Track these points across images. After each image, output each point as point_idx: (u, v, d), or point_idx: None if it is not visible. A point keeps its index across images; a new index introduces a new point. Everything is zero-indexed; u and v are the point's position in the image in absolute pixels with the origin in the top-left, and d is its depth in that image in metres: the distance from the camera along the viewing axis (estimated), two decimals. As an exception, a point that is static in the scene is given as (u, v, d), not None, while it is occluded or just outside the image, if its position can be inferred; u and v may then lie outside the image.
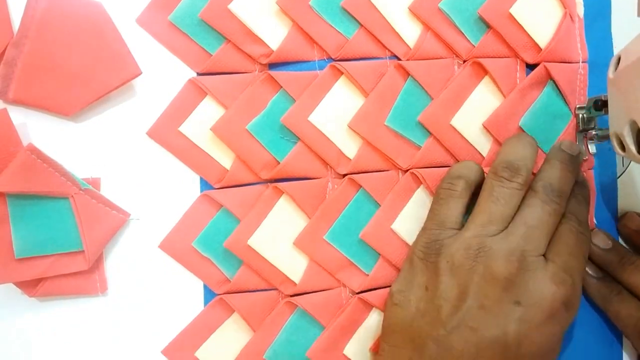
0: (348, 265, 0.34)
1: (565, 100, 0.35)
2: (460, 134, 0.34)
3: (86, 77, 0.31)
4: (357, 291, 0.34)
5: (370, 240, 0.33)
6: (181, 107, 0.32)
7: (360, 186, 0.33)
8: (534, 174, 0.33)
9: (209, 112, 0.33)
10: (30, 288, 0.31)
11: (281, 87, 0.33)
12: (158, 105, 0.32)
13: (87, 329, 0.32)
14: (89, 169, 0.32)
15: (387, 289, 0.33)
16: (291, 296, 0.33)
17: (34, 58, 0.30)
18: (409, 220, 0.33)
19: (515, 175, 0.30)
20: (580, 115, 0.34)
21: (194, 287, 0.33)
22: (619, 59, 0.29)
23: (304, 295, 0.33)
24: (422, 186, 0.34)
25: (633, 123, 0.27)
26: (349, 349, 0.33)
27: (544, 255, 0.30)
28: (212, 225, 0.33)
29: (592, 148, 0.35)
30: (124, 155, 0.32)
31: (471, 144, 0.34)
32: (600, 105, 0.32)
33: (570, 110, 0.35)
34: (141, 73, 0.32)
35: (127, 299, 0.33)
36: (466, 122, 0.34)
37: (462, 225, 0.31)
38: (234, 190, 0.33)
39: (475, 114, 0.34)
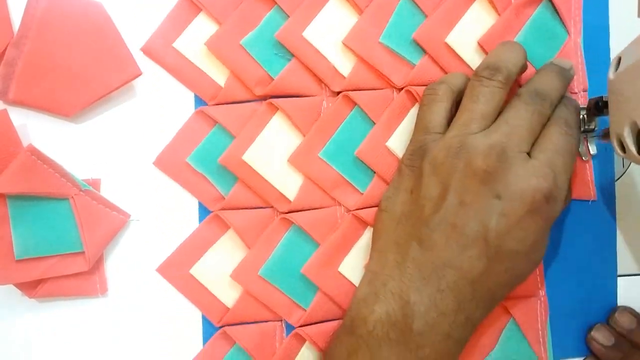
0: (343, 183, 0.34)
1: (560, 19, 0.35)
2: (454, 51, 0.34)
3: (86, 77, 0.31)
4: (352, 209, 0.33)
5: (365, 157, 0.33)
6: (175, 23, 0.32)
7: (355, 104, 0.33)
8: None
9: (203, 28, 0.33)
10: (30, 289, 0.31)
11: (275, 2, 0.32)
12: (158, 105, 0.33)
13: (87, 329, 0.33)
14: (89, 169, 0.32)
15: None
16: (286, 213, 0.33)
17: (34, 58, 0.30)
18: (404, 137, 0.33)
19: (495, 73, 0.30)
20: (581, 116, 0.34)
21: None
22: (619, 60, 0.29)
23: (299, 213, 0.33)
24: (417, 104, 0.34)
25: (633, 124, 0.27)
26: (344, 267, 0.33)
27: (528, 154, 0.29)
28: (207, 142, 0.33)
29: (592, 148, 0.35)
30: (124, 156, 0.32)
31: (465, 62, 0.34)
32: (601, 106, 0.32)
33: (566, 30, 0.35)
34: (141, 73, 0.32)
35: (127, 300, 0.33)
36: (461, 40, 0.34)
37: (447, 129, 0.31)
38: (228, 107, 0.33)
39: (470, 31, 0.34)
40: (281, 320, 0.34)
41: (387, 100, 0.34)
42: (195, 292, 0.33)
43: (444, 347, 0.29)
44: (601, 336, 0.35)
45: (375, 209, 0.33)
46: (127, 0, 0.32)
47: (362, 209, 0.33)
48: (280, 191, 0.33)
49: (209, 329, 0.33)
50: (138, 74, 0.32)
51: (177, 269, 0.33)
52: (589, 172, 0.35)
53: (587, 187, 0.36)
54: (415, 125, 0.33)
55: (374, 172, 0.34)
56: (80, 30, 0.31)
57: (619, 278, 0.36)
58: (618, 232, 0.37)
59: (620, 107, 0.28)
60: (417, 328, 0.28)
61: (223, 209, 0.33)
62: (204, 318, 0.33)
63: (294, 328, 0.33)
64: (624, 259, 0.37)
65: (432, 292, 0.28)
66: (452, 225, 0.29)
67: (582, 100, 0.35)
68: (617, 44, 0.31)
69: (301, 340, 0.33)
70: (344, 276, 0.33)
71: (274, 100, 0.32)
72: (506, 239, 0.28)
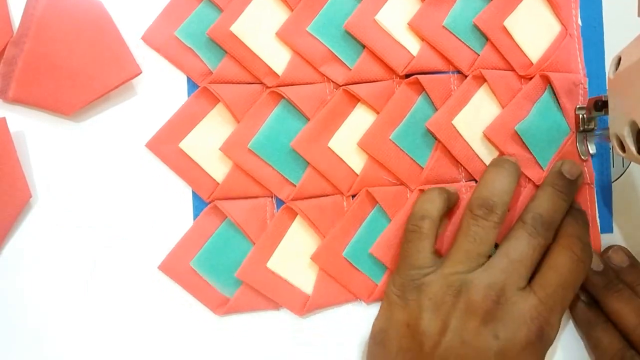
0: (331, 58, 0.33)
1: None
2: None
3: (86, 76, 0.31)
4: (341, 84, 0.33)
5: (354, 30, 0.33)
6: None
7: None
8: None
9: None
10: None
11: None
12: (158, 105, 0.33)
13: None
14: (88, 168, 0.32)
15: (375, 83, 0.33)
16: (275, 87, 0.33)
17: (34, 57, 0.30)
18: (395, 13, 0.33)
19: (491, 213, 0.31)
20: (581, 116, 0.34)
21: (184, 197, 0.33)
22: (619, 60, 0.29)
23: (288, 87, 0.33)
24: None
25: (633, 124, 0.27)
26: (334, 142, 0.33)
27: (530, 285, 0.30)
28: (196, 15, 0.33)
29: (592, 148, 0.35)
30: (124, 155, 0.33)
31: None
32: (601, 105, 0.32)
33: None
34: (141, 72, 0.32)
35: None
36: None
37: (435, 260, 0.31)
38: (216, -19, 0.33)
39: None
40: (272, 197, 0.34)
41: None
42: (185, 167, 0.33)
43: None
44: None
45: (366, 85, 0.33)
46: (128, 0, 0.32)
47: (350, 84, 0.33)
48: (269, 65, 0.33)
49: (200, 205, 0.33)
50: (138, 72, 0.32)
51: (167, 143, 0.33)
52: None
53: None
54: (400, 257, 0.32)
55: (363, 47, 0.33)
56: (79, 29, 0.31)
57: None
58: (617, 231, 0.36)
59: (620, 107, 0.29)
60: None
61: (211, 82, 0.33)
62: (194, 195, 0.33)
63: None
64: None
65: None
66: None
67: (582, 100, 0.35)
68: (616, 45, 0.30)
69: (292, 215, 0.33)
70: (333, 152, 0.33)
71: (261, -26, 0.32)
72: None
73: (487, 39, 0.34)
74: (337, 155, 0.33)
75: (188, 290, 0.33)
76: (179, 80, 0.33)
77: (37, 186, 0.32)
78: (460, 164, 0.34)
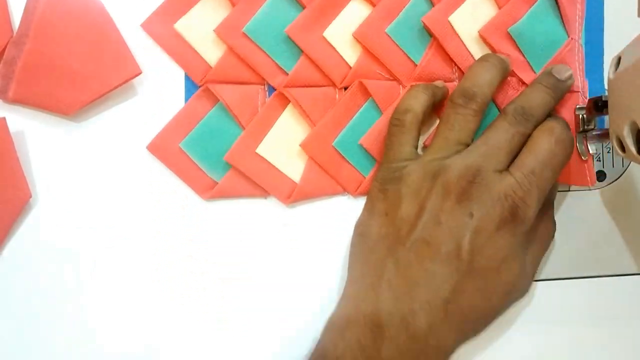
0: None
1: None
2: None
3: (86, 76, 0.31)
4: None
5: None
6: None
7: None
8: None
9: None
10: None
11: None
12: (158, 105, 0.33)
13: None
14: (88, 168, 0.32)
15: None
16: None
17: (34, 57, 0.30)
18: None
19: (470, 101, 0.31)
20: (580, 116, 0.34)
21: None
22: (619, 60, 0.28)
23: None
24: None
25: (633, 124, 0.27)
26: (329, 32, 0.33)
27: (508, 168, 0.30)
28: None
29: (591, 148, 0.34)
30: (124, 155, 0.33)
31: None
32: (600, 105, 0.31)
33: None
34: (141, 72, 0.31)
35: None
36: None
37: (416, 154, 0.32)
38: None
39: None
40: (264, 85, 0.34)
41: None
42: (179, 49, 0.33)
43: None
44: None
45: None
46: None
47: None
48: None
49: (192, 88, 0.33)
50: (138, 72, 0.31)
51: (162, 25, 0.33)
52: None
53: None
54: (384, 150, 0.33)
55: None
56: (80, 29, 0.31)
57: (618, 278, 0.36)
58: (618, 231, 0.36)
59: (620, 107, 0.28)
60: (386, 354, 0.28)
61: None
62: (186, 78, 0.33)
63: (276, 92, 0.33)
64: (624, 259, 0.36)
65: (404, 313, 0.28)
66: (426, 244, 0.29)
67: (582, 100, 0.34)
68: (616, 45, 0.30)
69: (284, 102, 0.33)
70: (328, 42, 0.33)
71: None
72: (477, 256, 0.29)
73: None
74: (332, 46, 0.33)
75: (176, 173, 0.33)
76: (179, 80, 0.33)
77: (37, 186, 0.32)
78: (455, 63, 0.34)
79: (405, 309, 0.28)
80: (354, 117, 0.34)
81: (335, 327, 0.30)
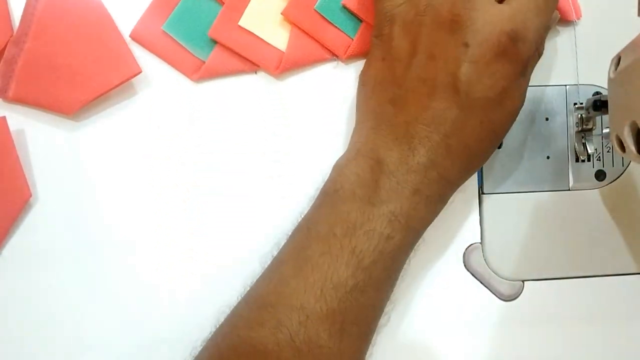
0: None
1: None
2: None
3: (86, 75, 0.31)
4: None
5: None
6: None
7: None
8: None
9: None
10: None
11: None
12: (158, 105, 0.33)
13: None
14: (88, 168, 0.32)
15: None
16: None
17: (34, 56, 0.30)
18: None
19: None
20: (580, 115, 0.34)
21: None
22: (619, 59, 0.28)
23: None
24: None
25: (633, 123, 0.27)
26: None
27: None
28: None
29: (591, 148, 0.34)
30: (124, 155, 0.33)
31: None
32: (600, 105, 0.31)
33: None
34: (141, 71, 0.31)
35: None
36: None
37: None
38: None
39: None
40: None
41: None
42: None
43: (411, 202, 0.28)
44: None
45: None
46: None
47: None
48: None
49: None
50: (138, 71, 0.31)
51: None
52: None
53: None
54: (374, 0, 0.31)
55: None
56: (79, 28, 0.31)
57: (618, 277, 0.36)
58: (618, 231, 0.36)
59: (620, 106, 0.28)
60: (384, 184, 0.28)
61: None
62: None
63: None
64: (624, 259, 0.36)
65: (403, 149, 0.28)
66: (422, 80, 0.28)
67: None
68: (617, 44, 0.30)
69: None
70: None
71: None
72: (476, 86, 0.28)
73: None
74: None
75: (162, 57, 0.33)
76: (179, 80, 0.33)
77: (37, 186, 0.32)
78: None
79: (404, 147, 0.28)
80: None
81: (337, 167, 0.30)
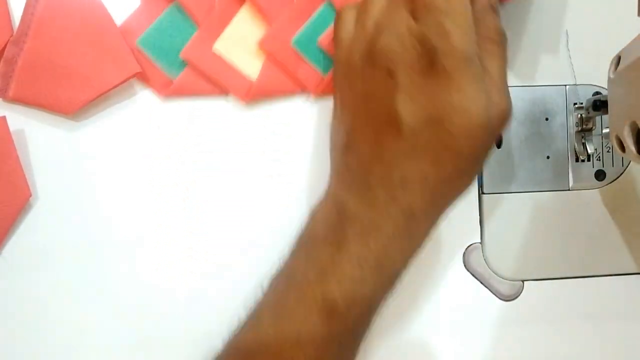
0: None
1: None
2: None
3: (86, 75, 0.31)
4: None
5: None
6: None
7: None
8: None
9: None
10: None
11: None
12: (158, 104, 0.32)
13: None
14: (88, 167, 0.32)
15: None
16: None
17: (34, 56, 0.30)
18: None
19: None
20: (580, 115, 0.34)
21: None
22: (619, 59, 0.28)
23: None
24: None
25: (633, 123, 0.27)
26: None
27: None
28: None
29: (590, 148, 0.34)
30: (124, 155, 0.33)
31: None
32: (599, 105, 0.31)
33: None
34: (140, 70, 0.31)
35: None
36: None
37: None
38: None
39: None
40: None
41: None
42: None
43: (377, 243, 0.27)
44: None
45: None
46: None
47: None
48: None
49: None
50: (137, 71, 0.31)
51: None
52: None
53: None
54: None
55: None
56: (79, 28, 0.31)
57: (617, 277, 0.36)
58: (618, 231, 0.36)
59: (620, 106, 0.28)
60: (349, 228, 0.27)
61: None
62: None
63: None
64: (624, 259, 0.36)
65: (361, 191, 0.27)
66: (364, 121, 0.28)
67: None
68: (617, 44, 0.30)
69: None
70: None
71: None
72: (417, 119, 0.26)
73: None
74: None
75: None
76: None
77: (37, 186, 0.32)
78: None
79: (362, 188, 0.27)
80: (312, 16, 0.33)
81: (311, 212, 0.29)
